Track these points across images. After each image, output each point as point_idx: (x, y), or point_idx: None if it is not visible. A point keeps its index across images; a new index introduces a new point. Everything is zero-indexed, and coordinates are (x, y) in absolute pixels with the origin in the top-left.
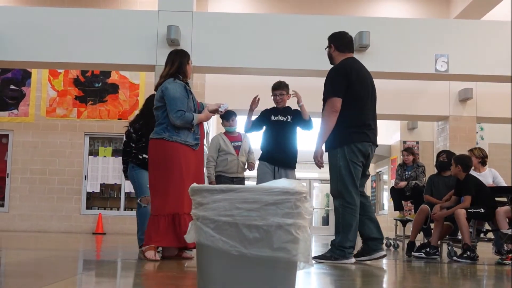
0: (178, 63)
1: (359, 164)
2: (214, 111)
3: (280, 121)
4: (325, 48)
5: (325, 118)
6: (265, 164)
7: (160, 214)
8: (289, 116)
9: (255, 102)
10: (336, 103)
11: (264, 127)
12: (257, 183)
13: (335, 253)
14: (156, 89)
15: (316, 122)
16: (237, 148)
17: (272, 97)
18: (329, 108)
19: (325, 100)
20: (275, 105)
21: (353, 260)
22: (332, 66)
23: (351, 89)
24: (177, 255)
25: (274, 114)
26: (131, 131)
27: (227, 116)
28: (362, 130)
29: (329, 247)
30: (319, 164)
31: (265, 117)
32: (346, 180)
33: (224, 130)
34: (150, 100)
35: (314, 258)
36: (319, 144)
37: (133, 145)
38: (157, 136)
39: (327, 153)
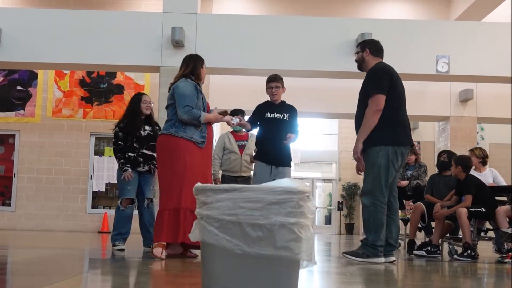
0: (192, 66)
1: (396, 167)
2: (223, 114)
3: (276, 119)
4: (356, 53)
5: (368, 116)
6: (262, 164)
7: (165, 208)
8: (285, 114)
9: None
10: (380, 100)
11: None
12: (253, 183)
13: (368, 251)
14: (169, 90)
15: (316, 122)
16: (241, 147)
17: (267, 90)
18: (374, 106)
19: (366, 98)
20: (269, 99)
21: (383, 259)
22: (359, 71)
23: (394, 89)
24: (181, 254)
25: (270, 111)
26: (117, 130)
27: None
28: (407, 132)
29: (360, 244)
30: (358, 160)
31: (259, 114)
32: (382, 179)
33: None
34: (134, 99)
35: (344, 253)
36: (361, 140)
37: (122, 143)
38: (165, 132)
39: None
